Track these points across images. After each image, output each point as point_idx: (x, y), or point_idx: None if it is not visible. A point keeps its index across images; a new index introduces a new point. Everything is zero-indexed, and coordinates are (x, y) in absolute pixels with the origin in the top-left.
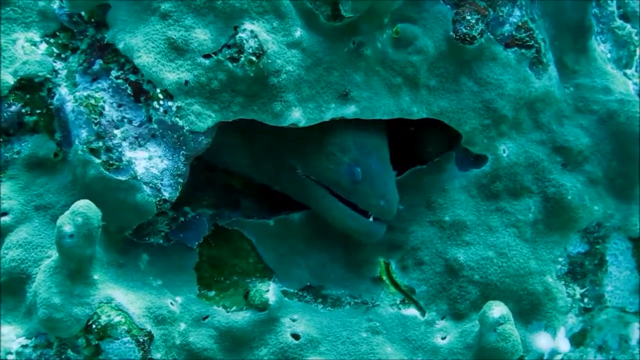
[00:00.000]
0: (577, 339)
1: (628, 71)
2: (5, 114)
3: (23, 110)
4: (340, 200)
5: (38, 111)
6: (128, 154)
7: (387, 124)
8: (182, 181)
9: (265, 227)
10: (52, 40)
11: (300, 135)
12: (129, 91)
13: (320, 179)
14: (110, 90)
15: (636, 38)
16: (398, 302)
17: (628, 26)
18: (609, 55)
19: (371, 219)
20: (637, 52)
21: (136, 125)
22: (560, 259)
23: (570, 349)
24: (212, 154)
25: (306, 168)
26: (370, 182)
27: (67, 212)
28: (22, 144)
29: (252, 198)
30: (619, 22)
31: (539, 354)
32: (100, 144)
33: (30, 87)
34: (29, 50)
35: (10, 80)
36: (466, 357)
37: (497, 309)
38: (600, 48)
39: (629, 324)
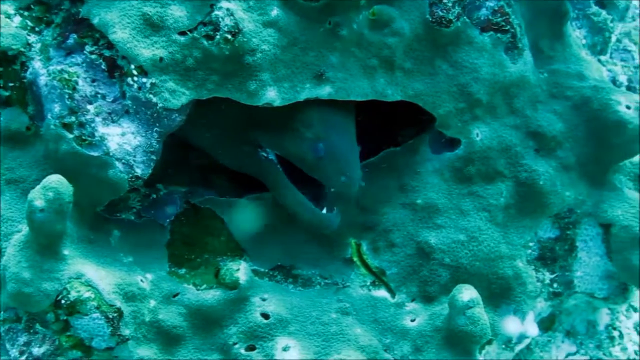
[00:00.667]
0: (546, 324)
1: (602, 57)
2: None
3: None
4: (301, 181)
5: (11, 84)
6: (101, 129)
7: (365, 104)
8: (155, 158)
9: (238, 206)
10: (26, 14)
11: (266, 110)
12: (103, 66)
13: (285, 155)
14: (84, 65)
15: (611, 25)
16: (368, 283)
17: (604, 12)
18: (584, 42)
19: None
20: (612, 39)
21: (110, 101)
22: (530, 244)
23: (539, 333)
24: (184, 132)
25: (271, 143)
26: (332, 158)
27: (38, 187)
28: None
29: (225, 177)
30: (594, 8)
31: (508, 337)
32: (73, 119)
33: (4, 60)
34: (3, 23)
35: None
36: (435, 340)
37: (467, 293)
38: (576, 34)
39: (597, 310)
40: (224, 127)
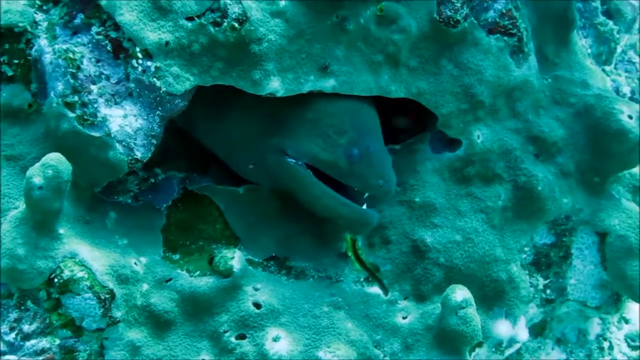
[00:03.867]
0: (537, 330)
1: (607, 67)
2: None
3: (1, 59)
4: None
5: (16, 61)
6: (103, 110)
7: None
8: (155, 142)
9: (235, 195)
10: None
11: (292, 117)
12: (108, 48)
13: (314, 162)
14: (90, 45)
15: (617, 36)
16: (362, 279)
17: (610, 23)
18: (589, 51)
19: (365, 206)
20: (617, 50)
21: (113, 82)
22: (526, 249)
23: (529, 338)
24: (190, 127)
25: (298, 150)
26: (369, 162)
27: (37, 164)
28: None
29: (224, 164)
30: (601, 18)
31: (498, 340)
32: (76, 98)
33: (10, 37)
34: None
35: None
36: (425, 338)
37: (460, 293)
38: (582, 42)
39: (588, 319)
40: (243, 137)
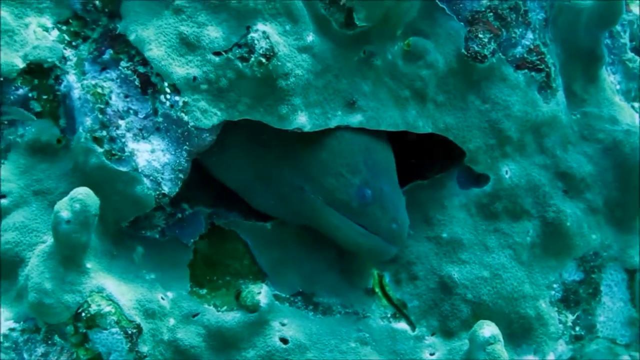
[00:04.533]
0: None
1: (636, 104)
2: (12, 97)
3: (30, 95)
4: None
5: (45, 97)
6: (131, 145)
7: (393, 136)
8: (182, 177)
9: (262, 230)
10: (64, 28)
11: (308, 155)
12: (136, 83)
13: (327, 200)
14: (118, 80)
15: None
16: (389, 315)
17: (639, 59)
18: (618, 87)
19: None
20: None
21: (141, 117)
22: (554, 285)
23: None
24: (214, 170)
25: (313, 188)
26: (381, 204)
27: (65, 198)
28: (26, 128)
29: None
30: (630, 54)
31: None
32: (104, 133)
33: (39, 72)
34: (41, 35)
35: (20, 63)
36: None
37: (488, 329)
38: (610, 79)
39: (618, 356)
40: (262, 174)
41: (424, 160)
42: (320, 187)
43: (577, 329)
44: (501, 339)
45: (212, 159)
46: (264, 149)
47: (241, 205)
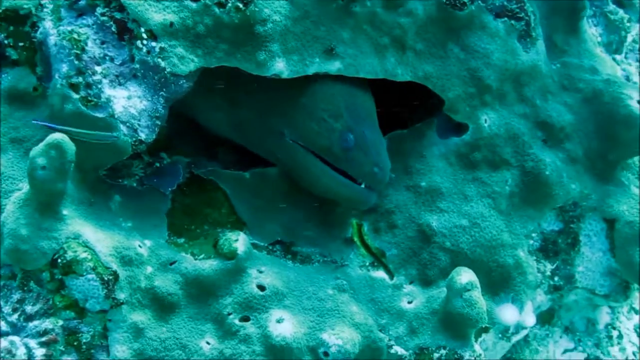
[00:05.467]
0: (545, 318)
1: (617, 57)
2: None
3: (6, 42)
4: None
5: (21, 44)
6: (107, 91)
7: (372, 84)
8: (159, 123)
9: (241, 179)
10: None
11: (289, 100)
12: (113, 29)
13: (309, 145)
14: (94, 26)
15: (628, 24)
16: (367, 264)
17: (621, 12)
18: (599, 39)
19: (362, 186)
20: (628, 39)
21: (118, 63)
22: (533, 235)
23: (537, 326)
24: (194, 113)
25: (294, 134)
26: (364, 149)
27: (40, 144)
28: (2, 76)
29: (230, 149)
30: (612, 6)
31: (505, 326)
32: (80, 79)
33: (15, 19)
34: None
35: None
36: (431, 322)
37: (465, 275)
38: (592, 31)
39: (597, 307)
40: (244, 117)
41: (404, 109)
42: (301, 132)
43: (556, 279)
44: (478, 285)
45: (194, 105)
46: (246, 95)
47: (222, 155)
